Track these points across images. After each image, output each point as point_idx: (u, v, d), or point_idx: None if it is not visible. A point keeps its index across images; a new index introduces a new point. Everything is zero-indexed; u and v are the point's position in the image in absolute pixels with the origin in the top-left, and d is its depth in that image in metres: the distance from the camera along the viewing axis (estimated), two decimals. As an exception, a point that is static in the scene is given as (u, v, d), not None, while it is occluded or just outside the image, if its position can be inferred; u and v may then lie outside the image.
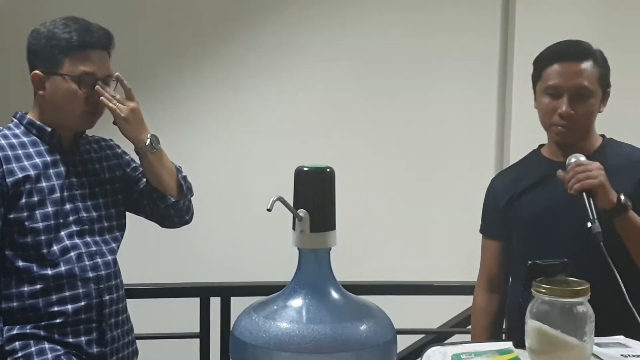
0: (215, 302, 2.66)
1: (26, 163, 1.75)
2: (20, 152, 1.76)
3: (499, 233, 2.05)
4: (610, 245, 1.61)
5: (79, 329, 1.77)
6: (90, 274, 1.78)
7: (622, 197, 1.68)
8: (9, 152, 1.74)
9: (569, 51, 1.89)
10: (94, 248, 1.81)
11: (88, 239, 1.81)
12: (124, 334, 1.89)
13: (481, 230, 2.14)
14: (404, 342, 2.93)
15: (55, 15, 1.81)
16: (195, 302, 2.65)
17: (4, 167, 1.71)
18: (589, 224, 1.62)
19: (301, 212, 1.00)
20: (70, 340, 1.75)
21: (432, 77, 3.68)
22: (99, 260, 1.81)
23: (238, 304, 2.43)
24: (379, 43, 3.63)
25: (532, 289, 1.08)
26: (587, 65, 1.86)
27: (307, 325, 0.96)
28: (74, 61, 1.76)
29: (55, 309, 1.74)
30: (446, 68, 3.68)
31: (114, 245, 1.89)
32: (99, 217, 1.85)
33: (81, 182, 1.83)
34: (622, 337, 1.39)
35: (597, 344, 1.23)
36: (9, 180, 1.71)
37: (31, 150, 1.78)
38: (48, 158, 1.79)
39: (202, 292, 2.66)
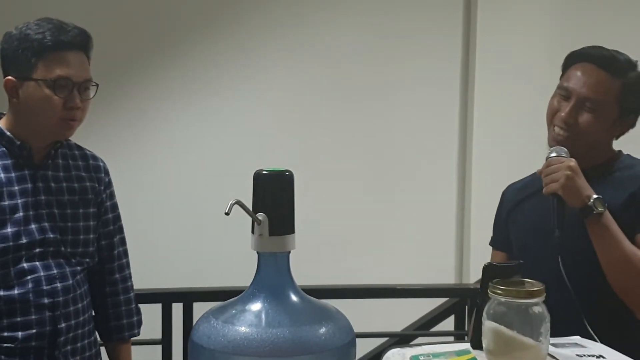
0: (177, 308, 2.64)
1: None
2: None
3: (503, 244, 1.98)
4: (592, 251, 1.62)
5: (28, 353, 1.66)
6: (46, 300, 1.67)
7: (593, 199, 1.62)
8: None
9: (601, 56, 1.77)
10: (55, 271, 1.69)
11: (51, 262, 1.69)
12: None
13: (490, 242, 2.06)
14: (368, 345, 2.94)
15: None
16: (157, 308, 2.62)
17: None
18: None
19: (260, 215, 1.00)
20: None
21: (395, 80, 3.72)
22: (58, 285, 1.69)
23: (201, 310, 2.41)
24: (342, 47, 3.65)
25: (488, 290, 1.10)
26: (608, 76, 1.74)
27: (266, 329, 0.96)
28: (48, 64, 1.63)
29: (5, 334, 1.63)
30: (410, 71, 3.72)
31: (78, 268, 1.76)
32: (66, 241, 1.72)
33: (50, 200, 1.70)
34: (578, 337, 1.41)
35: (553, 344, 1.25)
36: None
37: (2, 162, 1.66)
38: (13, 174, 1.66)
39: (164, 298, 2.64)
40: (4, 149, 1.68)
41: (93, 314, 1.89)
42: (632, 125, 1.82)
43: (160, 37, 3.52)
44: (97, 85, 1.73)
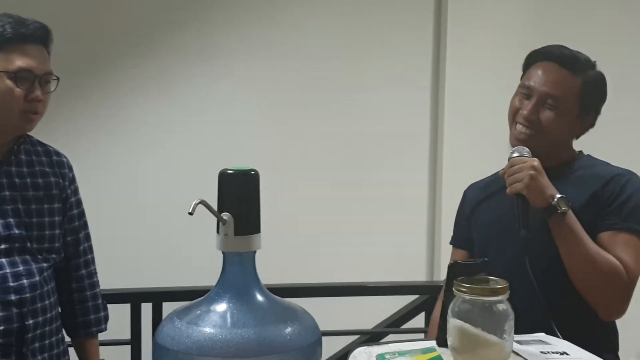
0: (146, 308, 2.62)
1: None
2: None
3: (464, 242, 2.00)
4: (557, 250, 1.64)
5: None
6: (13, 297, 1.65)
7: (557, 199, 1.63)
8: None
9: (561, 55, 1.79)
10: (21, 268, 1.67)
11: (16, 258, 1.67)
12: (53, 357, 1.77)
13: (450, 242, 2.07)
14: (339, 344, 2.94)
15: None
16: (126, 308, 2.60)
17: None
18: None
19: (225, 215, 1.00)
20: None
21: (367, 79, 3.72)
22: (25, 281, 1.67)
23: (170, 310, 2.40)
24: (313, 46, 3.65)
25: (453, 288, 1.11)
26: (568, 74, 1.76)
27: (231, 330, 0.95)
28: (9, 56, 1.62)
29: None
30: (381, 70, 3.73)
31: (45, 264, 1.75)
32: (31, 237, 1.71)
33: (14, 196, 1.68)
34: (543, 334, 1.43)
35: (518, 342, 1.26)
36: None
37: None
38: None
39: (133, 297, 2.61)
40: None
41: (60, 311, 1.88)
42: (592, 124, 1.83)
43: (130, 33, 3.48)
44: (57, 78, 1.73)
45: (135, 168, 3.50)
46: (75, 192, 1.90)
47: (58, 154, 1.87)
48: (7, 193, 1.67)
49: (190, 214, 0.96)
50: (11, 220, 1.68)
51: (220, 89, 3.58)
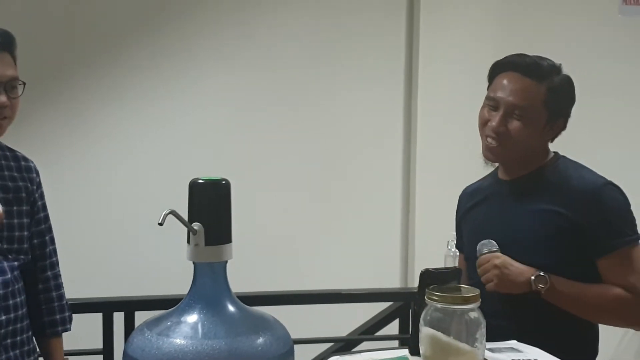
0: (118, 317, 2.59)
1: None
2: None
3: (461, 245, 2.03)
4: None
5: None
6: None
7: (533, 281, 1.66)
8: None
9: (524, 64, 1.78)
10: None
11: None
12: (24, 354, 1.79)
13: (456, 245, 2.11)
14: (313, 352, 2.94)
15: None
16: (97, 317, 2.57)
17: None
18: None
19: (196, 225, 0.99)
20: None
21: (338, 82, 3.72)
22: None
23: (142, 319, 2.37)
24: (283, 50, 3.65)
25: (425, 297, 1.11)
26: (532, 82, 1.75)
27: (202, 341, 0.95)
28: None
29: None
30: (353, 72, 3.73)
31: (15, 263, 1.77)
32: (1, 237, 1.73)
33: None
34: (514, 341, 1.44)
35: (490, 349, 1.27)
36: None
37: None
38: None
39: (105, 307, 2.59)
40: None
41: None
42: (563, 127, 1.84)
43: (101, 39, 3.45)
44: (24, 83, 1.74)
45: (106, 176, 3.47)
46: (42, 196, 1.93)
47: (26, 159, 1.90)
48: None
49: (160, 224, 0.95)
50: None
51: (191, 96, 3.56)
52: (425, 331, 1.11)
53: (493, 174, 1.93)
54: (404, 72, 3.78)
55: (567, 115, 1.83)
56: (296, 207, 3.70)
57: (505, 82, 1.78)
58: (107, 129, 3.49)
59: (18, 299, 1.78)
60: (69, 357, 2.12)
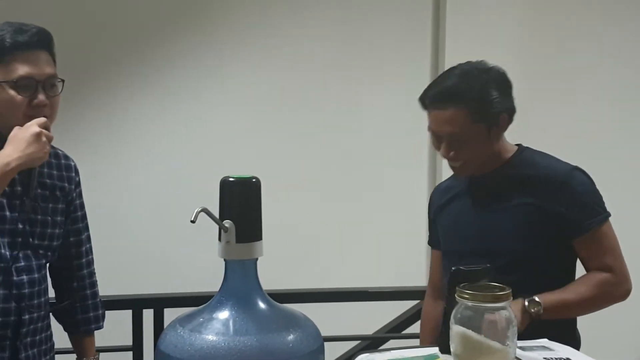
0: (148, 314, 2.62)
1: None
2: None
3: (436, 243, 2.10)
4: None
5: None
6: (14, 291, 1.70)
7: (527, 306, 1.69)
8: None
9: (434, 96, 1.83)
10: (23, 263, 1.71)
11: (19, 253, 1.71)
12: (41, 353, 1.81)
13: (428, 242, 2.18)
14: (340, 349, 2.94)
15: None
16: (127, 314, 2.60)
17: None
18: None
19: (227, 223, 1.00)
20: None
21: (365, 85, 3.72)
22: (24, 277, 1.72)
23: (171, 316, 2.39)
24: (310, 53, 3.65)
25: (455, 295, 1.10)
26: (452, 111, 1.78)
27: (233, 337, 0.95)
28: (9, 65, 1.64)
29: None
30: (378, 76, 3.73)
31: (43, 261, 1.80)
32: (34, 233, 1.75)
33: (25, 191, 1.71)
34: (545, 340, 1.43)
35: (521, 348, 1.26)
36: None
37: None
38: None
39: (135, 304, 2.61)
40: None
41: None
42: (508, 122, 1.86)
43: (129, 39, 3.49)
44: (62, 81, 1.73)
45: (139, 175, 3.50)
46: (80, 195, 1.95)
47: (67, 157, 1.91)
48: (19, 188, 1.70)
49: (192, 221, 0.96)
50: (17, 214, 1.71)
51: (221, 96, 3.58)
52: (455, 329, 1.10)
53: None
54: (430, 76, 3.76)
55: (508, 107, 1.84)
56: (322, 206, 3.70)
57: (432, 116, 1.84)
58: (137, 128, 3.53)
59: (42, 299, 1.80)
60: (100, 353, 2.14)
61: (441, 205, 2.02)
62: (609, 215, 1.82)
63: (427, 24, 3.75)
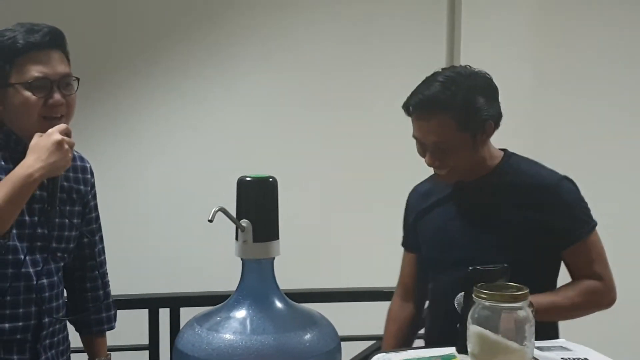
0: (164, 313, 2.63)
1: None
2: None
3: (412, 246, 2.07)
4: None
5: (12, 346, 1.70)
6: (34, 295, 1.70)
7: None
8: None
9: (417, 105, 1.78)
10: (42, 267, 1.71)
11: (38, 257, 1.71)
12: (59, 354, 1.82)
13: (402, 243, 2.16)
14: (355, 349, 2.94)
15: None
16: (143, 313, 2.61)
17: None
18: None
19: (244, 222, 1.00)
20: (2, 356, 1.68)
21: (378, 85, 3.70)
22: (44, 280, 1.72)
23: (188, 315, 2.40)
24: (324, 52, 3.64)
25: (473, 295, 1.10)
26: (437, 120, 1.74)
27: (251, 336, 0.96)
28: (23, 67, 1.63)
29: None
30: (392, 76, 3.70)
31: (60, 264, 1.80)
32: (52, 236, 1.74)
33: (42, 195, 1.70)
34: (563, 340, 1.42)
35: (539, 348, 1.26)
36: None
37: None
38: (10, 165, 1.65)
39: (151, 303, 2.63)
40: (1, 141, 1.70)
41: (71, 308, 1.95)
42: (495, 128, 1.81)
43: (141, 41, 3.49)
44: (77, 79, 1.73)
45: (155, 174, 3.51)
46: (94, 196, 1.95)
47: (82, 159, 1.91)
48: (37, 192, 1.68)
49: (210, 221, 0.96)
50: (36, 218, 1.71)
51: (236, 96, 3.58)
52: (473, 329, 1.10)
53: None
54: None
55: (494, 114, 1.79)
56: (338, 205, 3.69)
57: (416, 124, 1.80)
58: (158, 128, 3.54)
59: (60, 301, 1.81)
60: (116, 353, 2.16)
61: (423, 210, 1.98)
62: (596, 224, 1.82)
63: (442, 25, 3.73)
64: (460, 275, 1.68)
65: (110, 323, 2.02)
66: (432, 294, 1.97)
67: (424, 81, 1.83)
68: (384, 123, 3.72)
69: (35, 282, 1.70)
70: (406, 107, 1.82)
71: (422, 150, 1.82)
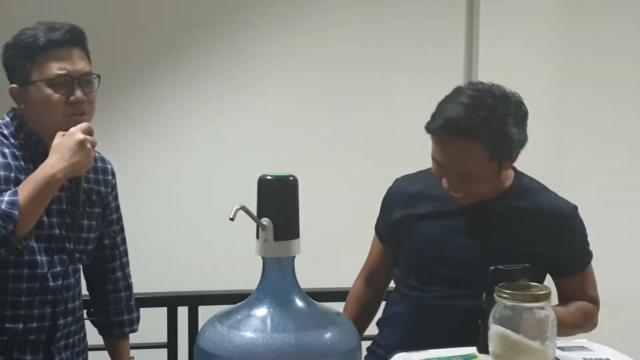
0: (182, 312, 2.64)
1: (11, 162, 1.64)
2: (6, 150, 1.65)
3: (387, 239, 2.01)
4: None
5: (25, 346, 1.69)
6: (49, 297, 1.70)
7: None
8: None
9: (445, 129, 1.63)
10: (59, 268, 1.71)
11: (55, 258, 1.70)
12: (74, 355, 1.82)
13: (376, 227, 2.08)
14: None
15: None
16: (162, 311, 2.62)
17: None
18: None
19: (265, 220, 1.00)
20: (15, 356, 1.68)
21: (397, 85, 3.69)
22: (61, 282, 1.71)
23: (206, 313, 2.41)
24: (343, 52, 3.64)
25: (494, 294, 1.10)
26: (467, 147, 1.62)
27: (271, 335, 0.95)
28: (44, 65, 1.64)
29: (7, 325, 1.66)
30: (412, 76, 3.70)
31: (78, 265, 1.81)
32: (70, 237, 1.73)
33: (60, 196, 1.70)
34: (585, 340, 1.41)
35: (560, 348, 1.25)
36: None
37: (17, 152, 1.67)
38: (30, 165, 1.67)
39: (170, 301, 2.63)
40: (22, 141, 1.70)
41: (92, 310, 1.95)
42: (517, 155, 1.74)
43: (163, 40, 3.51)
44: (98, 76, 1.73)
45: (176, 172, 3.52)
46: (116, 198, 1.95)
47: (104, 160, 1.90)
48: (56, 193, 1.68)
49: (232, 219, 0.96)
50: (54, 219, 1.71)
51: (259, 95, 3.58)
52: (494, 329, 1.09)
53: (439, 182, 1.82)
54: (463, 79, 3.73)
55: (523, 141, 1.71)
56: (358, 204, 3.68)
57: (440, 147, 1.68)
58: (178, 127, 3.55)
59: (77, 303, 1.81)
60: (135, 351, 2.15)
61: (417, 215, 1.87)
62: (592, 253, 1.85)
63: (461, 27, 3.71)
64: (449, 291, 1.73)
65: (132, 325, 2.01)
66: (414, 300, 1.87)
67: (449, 100, 1.69)
68: (403, 124, 3.71)
69: (51, 284, 1.69)
70: (433, 128, 1.68)
71: (442, 173, 1.72)
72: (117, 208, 1.96)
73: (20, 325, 1.67)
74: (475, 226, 1.78)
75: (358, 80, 3.64)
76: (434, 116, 1.69)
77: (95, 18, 3.28)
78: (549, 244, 1.74)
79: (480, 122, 1.60)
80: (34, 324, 1.69)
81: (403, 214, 1.91)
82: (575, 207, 1.80)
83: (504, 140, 1.64)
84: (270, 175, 1.02)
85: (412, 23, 3.66)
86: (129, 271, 2.03)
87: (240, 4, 3.57)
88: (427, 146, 1.86)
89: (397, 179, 2.06)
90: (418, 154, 3.27)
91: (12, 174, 1.64)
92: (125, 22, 3.46)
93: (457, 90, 1.71)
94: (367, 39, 3.64)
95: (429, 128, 1.71)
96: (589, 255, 1.83)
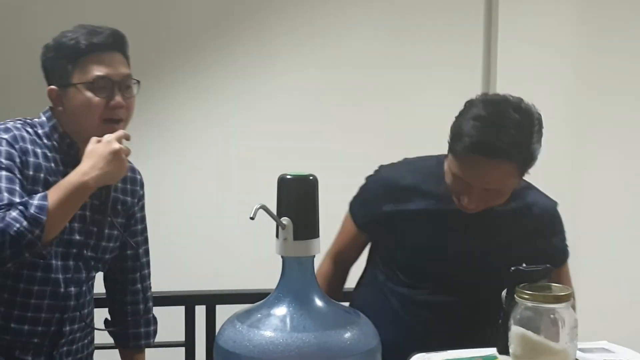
0: (200, 310, 2.64)
1: (42, 162, 1.63)
2: (38, 150, 1.64)
3: (364, 225, 1.97)
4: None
5: (28, 348, 1.68)
6: (60, 302, 1.69)
7: None
8: (28, 146, 1.61)
9: (486, 151, 1.61)
10: (72, 275, 1.70)
11: (70, 264, 1.70)
12: None
13: (351, 208, 2.03)
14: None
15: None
16: (180, 310, 2.63)
17: (23, 157, 1.59)
18: None
19: (284, 220, 1.00)
20: (16, 356, 1.67)
21: (415, 83, 3.68)
22: (72, 289, 1.70)
23: (223, 312, 2.42)
24: (361, 49, 3.63)
25: (515, 295, 1.09)
26: (503, 167, 1.63)
27: (291, 334, 0.96)
28: (85, 67, 1.63)
29: (12, 325, 1.65)
30: (430, 75, 3.69)
31: (92, 273, 1.78)
32: (88, 245, 1.72)
33: (85, 202, 1.66)
34: (605, 342, 1.40)
35: (581, 349, 1.24)
36: (25, 171, 1.59)
37: (49, 153, 1.66)
38: (61, 168, 1.66)
39: (187, 300, 2.64)
40: (55, 143, 1.68)
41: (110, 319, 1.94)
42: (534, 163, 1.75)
43: (181, 41, 3.52)
44: (138, 82, 1.72)
45: (195, 172, 3.53)
46: (142, 208, 1.92)
47: (133, 170, 1.87)
48: None
49: (252, 218, 0.97)
50: (75, 225, 1.69)
51: (278, 93, 3.58)
52: (515, 330, 1.09)
53: (434, 178, 1.82)
54: (481, 78, 3.71)
55: (533, 161, 1.72)
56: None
57: (468, 165, 1.65)
58: (196, 126, 3.56)
59: (86, 310, 1.78)
60: (153, 349, 2.15)
61: (409, 211, 1.84)
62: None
63: (479, 23, 3.69)
64: (440, 289, 1.76)
65: (148, 339, 1.99)
66: (402, 296, 1.86)
67: (470, 116, 1.67)
68: (422, 121, 3.70)
69: (62, 289, 1.68)
70: (461, 150, 1.65)
71: (464, 189, 1.69)
72: (143, 219, 1.93)
73: (26, 327, 1.66)
74: (468, 226, 1.80)
75: (377, 76, 3.63)
76: (458, 136, 1.66)
77: (110, 20, 3.30)
78: (537, 242, 1.82)
79: (511, 143, 1.60)
80: (39, 328, 1.67)
81: (392, 208, 1.88)
82: (556, 203, 1.88)
83: (531, 157, 1.69)
84: (290, 175, 1.02)
85: (429, 18, 3.64)
86: (150, 283, 2.00)
87: (258, 2, 3.58)
88: (443, 145, 1.85)
89: (382, 167, 2.01)
90: (438, 150, 3.25)
91: (42, 175, 1.63)
92: (142, 24, 3.47)
93: (474, 104, 1.70)
94: (385, 35, 3.63)
95: (456, 149, 1.67)
96: (566, 247, 1.90)
